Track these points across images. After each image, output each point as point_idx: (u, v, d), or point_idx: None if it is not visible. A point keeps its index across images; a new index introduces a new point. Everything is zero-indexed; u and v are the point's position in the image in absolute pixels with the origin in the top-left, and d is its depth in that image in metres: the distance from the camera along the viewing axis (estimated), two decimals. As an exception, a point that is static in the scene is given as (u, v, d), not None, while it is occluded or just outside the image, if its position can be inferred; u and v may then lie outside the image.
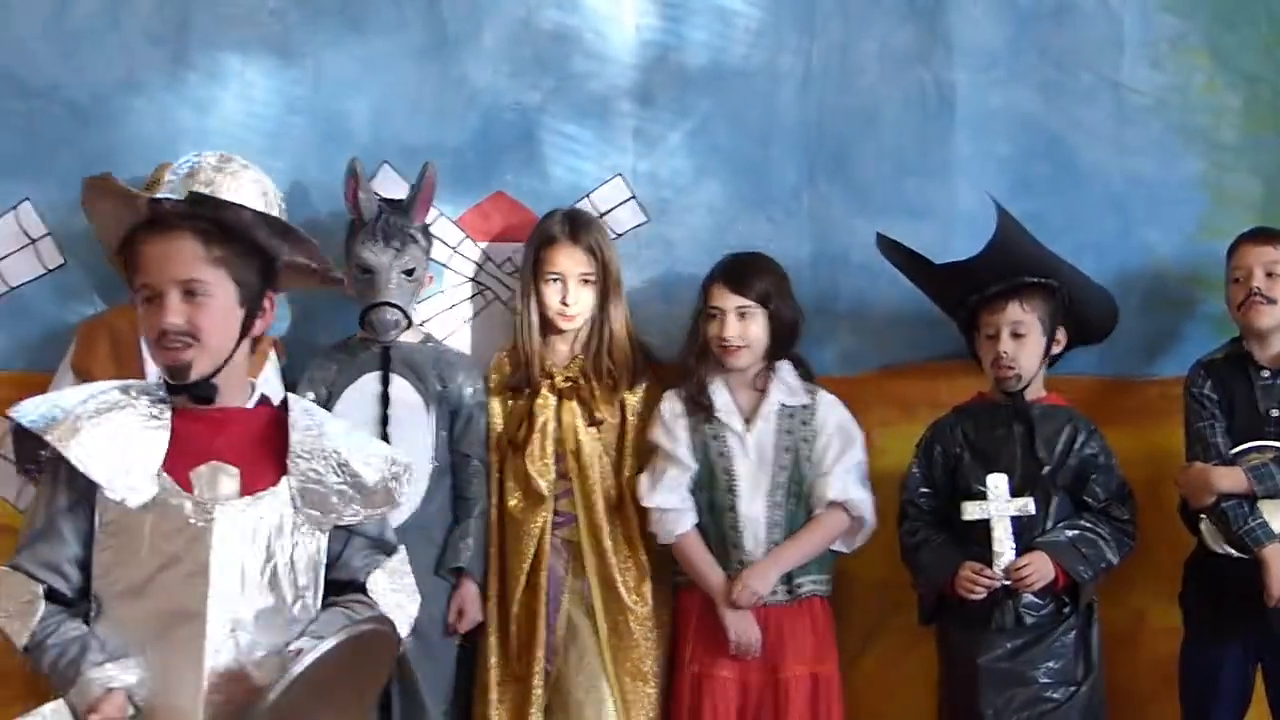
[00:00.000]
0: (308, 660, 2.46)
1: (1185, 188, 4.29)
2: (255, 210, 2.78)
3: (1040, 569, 3.80)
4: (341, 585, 2.82)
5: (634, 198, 4.28)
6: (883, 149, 4.29)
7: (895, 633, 4.15)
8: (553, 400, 4.05)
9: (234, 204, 2.75)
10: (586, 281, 4.05)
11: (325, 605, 2.77)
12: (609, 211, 4.25)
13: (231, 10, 4.22)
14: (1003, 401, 3.97)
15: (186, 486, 2.65)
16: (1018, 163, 4.28)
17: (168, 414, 2.68)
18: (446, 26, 4.26)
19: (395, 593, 2.85)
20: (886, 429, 4.15)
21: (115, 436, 2.64)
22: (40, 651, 2.60)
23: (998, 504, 3.86)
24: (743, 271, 4.02)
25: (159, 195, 2.74)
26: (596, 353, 4.07)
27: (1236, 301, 3.96)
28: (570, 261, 4.05)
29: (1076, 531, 3.87)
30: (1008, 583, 3.81)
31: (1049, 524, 3.88)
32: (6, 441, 4.14)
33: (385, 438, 3.94)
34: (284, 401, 2.82)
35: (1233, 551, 3.84)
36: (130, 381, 2.79)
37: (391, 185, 4.15)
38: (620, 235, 4.22)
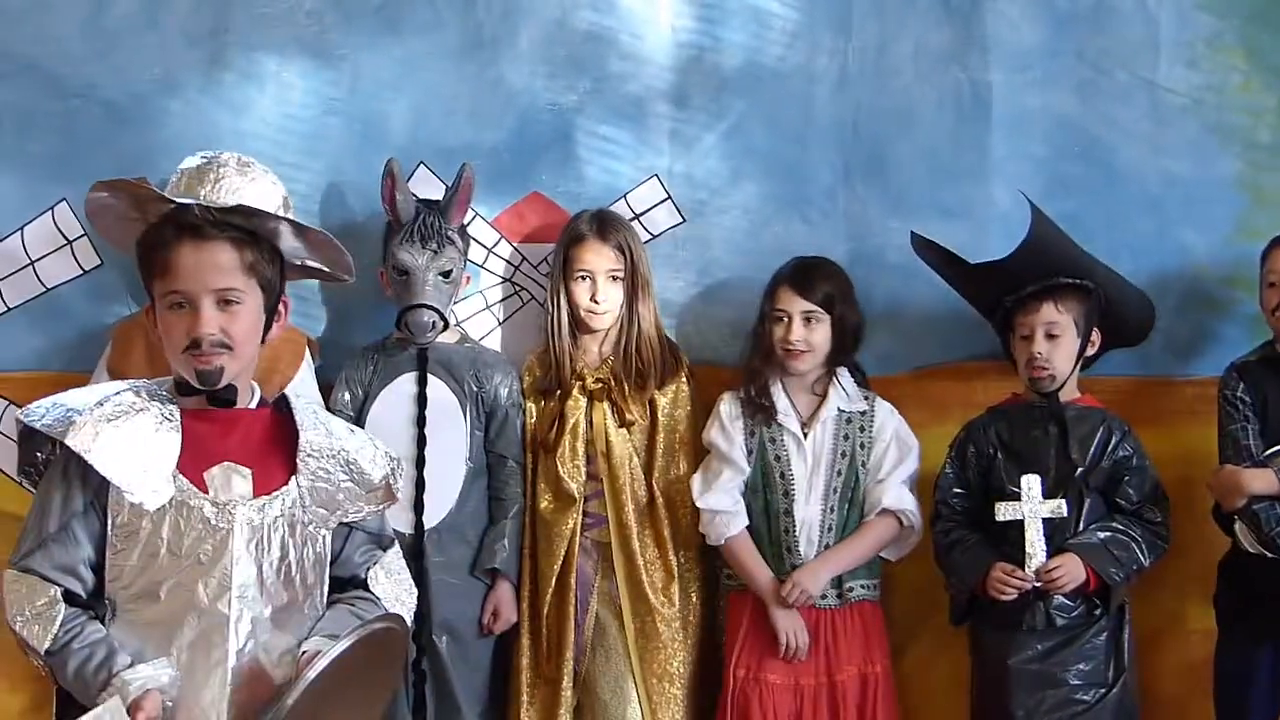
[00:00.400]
0: (324, 662, 2.48)
1: (1222, 188, 4.27)
2: (293, 220, 2.81)
3: (1071, 571, 3.80)
4: (342, 582, 2.86)
5: (670, 199, 4.28)
6: (918, 150, 4.29)
7: (932, 634, 4.15)
8: (583, 402, 4.06)
9: (272, 214, 2.78)
10: (615, 279, 4.06)
11: (330, 603, 2.81)
12: (645, 213, 4.25)
13: (269, 11, 4.23)
14: (1037, 402, 3.97)
15: (201, 488, 2.68)
16: (1053, 163, 4.27)
17: (178, 416, 2.70)
18: (483, 28, 4.26)
19: (394, 587, 2.89)
20: (920, 431, 4.13)
21: (132, 439, 2.65)
22: (64, 655, 2.60)
23: (1031, 505, 3.86)
24: (810, 276, 4.02)
25: (191, 202, 2.75)
26: (625, 352, 4.07)
27: (1270, 306, 3.95)
28: (599, 259, 4.05)
29: (1109, 533, 3.87)
30: (1038, 584, 3.80)
31: (1081, 525, 3.88)
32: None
33: (421, 439, 3.96)
34: (282, 400, 2.84)
35: (1266, 553, 3.82)
36: (138, 382, 2.80)
37: (428, 186, 4.16)
38: (656, 236, 4.23)
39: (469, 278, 4.18)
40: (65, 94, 4.20)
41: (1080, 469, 3.90)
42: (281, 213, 2.82)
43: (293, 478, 2.74)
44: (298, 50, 4.24)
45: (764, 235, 4.27)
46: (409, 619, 2.90)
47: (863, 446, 4.04)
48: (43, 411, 2.70)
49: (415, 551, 3.90)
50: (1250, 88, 4.29)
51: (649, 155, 4.28)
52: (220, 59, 4.22)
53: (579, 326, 4.10)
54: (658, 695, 3.99)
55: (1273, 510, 3.81)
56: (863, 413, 4.06)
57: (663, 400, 4.09)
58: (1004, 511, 3.88)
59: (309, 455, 2.76)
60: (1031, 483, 3.87)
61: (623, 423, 4.05)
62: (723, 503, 3.99)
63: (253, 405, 2.81)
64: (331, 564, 2.83)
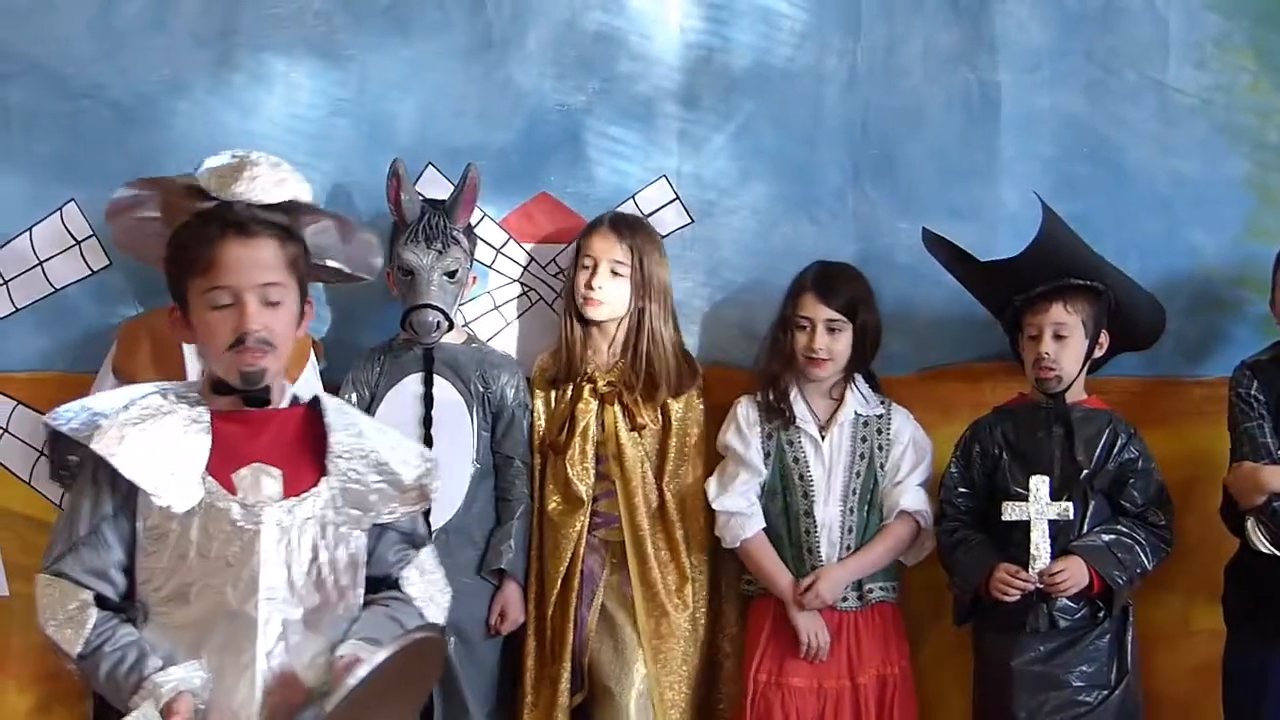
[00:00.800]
0: (365, 670, 2.47)
1: (1231, 188, 4.26)
2: (341, 217, 2.81)
3: (1074, 574, 3.80)
4: (375, 581, 2.83)
5: (678, 199, 4.27)
6: (927, 150, 4.28)
7: (941, 634, 4.15)
8: (594, 404, 4.06)
9: (324, 210, 2.78)
10: (617, 273, 4.05)
11: (365, 603, 2.79)
12: (653, 213, 4.25)
13: (277, 12, 4.22)
14: (1043, 403, 3.97)
15: (230, 489, 2.66)
16: (1062, 164, 4.26)
17: (207, 417, 2.68)
18: (491, 28, 4.25)
19: (428, 587, 2.87)
20: (928, 431, 4.13)
21: (159, 442, 2.63)
22: (96, 659, 2.59)
23: (1037, 506, 3.86)
24: (834, 283, 4.03)
25: (233, 200, 2.73)
26: (634, 357, 4.07)
27: None
28: (603, 246, 4.05)
29: (1113, 536, 3.87)
30: (1041, 586, 3.81)
31: (1086, 527, 3.88)
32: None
33: (428, 439, 3.96)
34: (314, 400, 2.82)
35: (1278, 552, 3.81)
36: (166, 384, 2.79)
37: (437, 187, 4.15)
38: (665, 237, 4.22)
39: (475, 278, 4.17)
40: (73, 94, 4.20)
41: (1085, 470, 3.90)
42: None
43: (323, 479, 2.72)
44: (306, 51, 4.24)
45: (773, 236, 4.27)
46: (442, 618, 2.87)
47: (880, 449, 4.05)
48: (70, 415, 2.68)
49: (422, 552, 3.89)
50: (1259, 88, 4.28)
51: (658, 156, 4.28)
52: (228, 60, 4.22)
53: (588, 321, 4.10)
54: (671, 693, 4.00)
55: (1292, 508, 3.81)
56: (879, 416, 4.08)
57: (675, 406, 4.09)
58: (1010, 512, 3.88)
59: (339, 456, 2.73)
60: (1039, 484, 3.87)
61: (634, 426, 4.05)
62: (738, 505, 4.00)
63: (284, 405, 2.78)
64: (365, 563, 2.82)
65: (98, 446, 2.60)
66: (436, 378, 4.05)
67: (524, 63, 4.26)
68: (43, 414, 4.07)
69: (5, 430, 4.21)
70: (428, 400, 4.02)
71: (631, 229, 4.08)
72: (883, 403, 4.11)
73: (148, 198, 2.85)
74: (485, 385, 4.06)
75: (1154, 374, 4.23)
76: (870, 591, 4.02)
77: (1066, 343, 3.93)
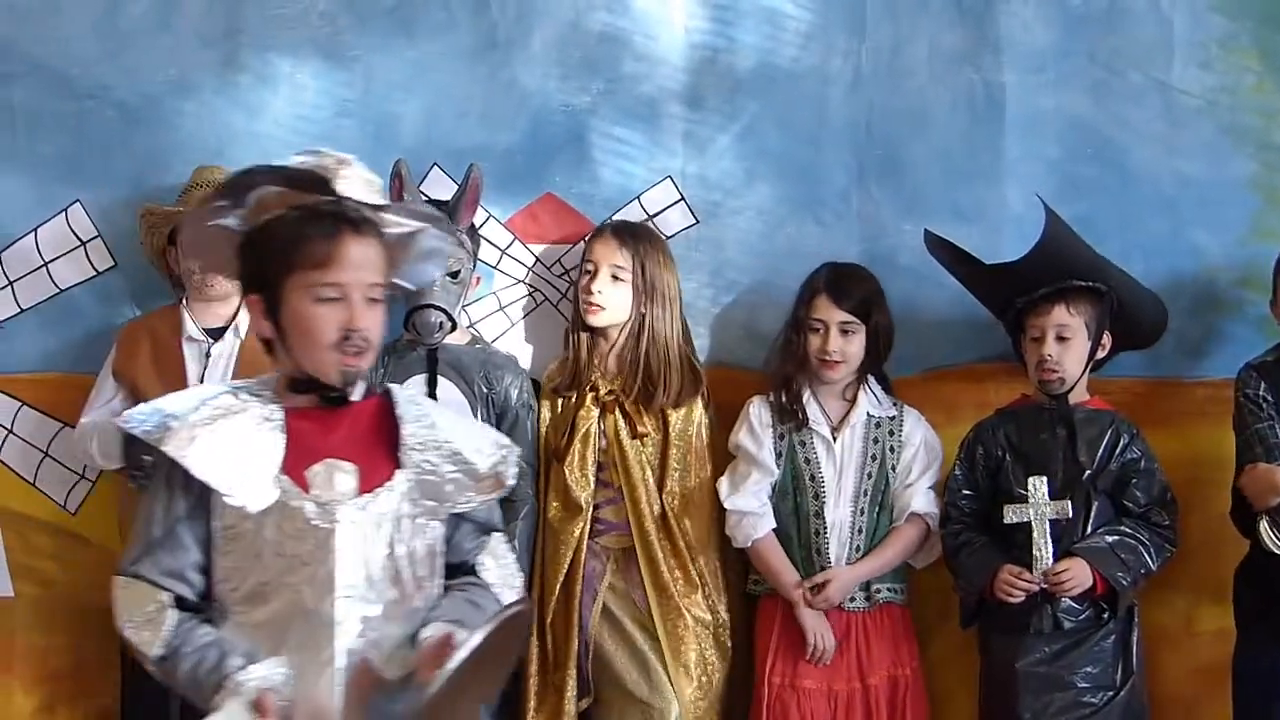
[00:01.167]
0: (466, 652, 2.43)
1: (1235, 189, 4.26)
2: (454, 230, 2.82)
3: (1078, 575, 3.80)
4: (452, 568, 2.82)
5: (683, 200, 4.27)
6: (932, 151, 4.28)
7: (948, 635, 4.15)
8: (595, 411, 4.06)
9: (443, 217, 2.81)
10: (618, 278, 4.05)
11: (444, 589, 2.78)
12: (658, 214, 4.25)
13: (282, 13, 4.23)
14: (1046, 404, 3.97)
15: (304, 487, 2.64)
16: (1067, 165, 4.27)
17: (280, 414, 2.66)
18: (496, 29, 4.26)
19: (502, 572, 2.86)
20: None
21: (231, 441, 2.62)
22: (176, 659, 2.58)
23: (1037, 507, 3.87)
24: (848, 285, 4.04)
25: (358, 199, 2.71)
26: (633, 363, 4.06)
27: None
28: (605, 251, 4.05)
29: (1116, 537, 3.87)
30: (1045, 587, 3.81)
31: (1089, 528, 3.88)
32: (59, 445, 4.19)
33: (431, 440, 3.95)
34: (386, 392, 2.80)
35: (1292, 554, 3.83)
36: (238, 383, 2.77)
37: (441, 187, 4.15)
38: (670, 237, 4.21)
39: (480, 279, 4.17)
40: (78, 95, 4.20)
41: (1088, 471, 3.90)
42: None
43: (398, 472, 2.70)
44: (311, 51, 4.24)
45: (777, 237, 4.28)
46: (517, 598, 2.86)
47: (892, 451, 4.06)
48: (142, 418, 2.66)
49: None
50: (1264, 89, 4.28)
51: (662, 157, 4.28)
52: (234, 60, 4.22)
53: (595, 330, 4.10)
54: (693, 690, 3.99)
55: (1308, 509, 3.80)
56: (891, 418, 4.09)
57: (675, 416, 4.07)
58: (1011, 514, 3.88)
59: (412, 449, 2.72)
60: (1038, 484, 3.88)
61: (635, 434, 4.05)
62: (750, 504, 4.01)
63: (356, 398, 2.75)
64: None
65: (169, 448, 2.59)
66: (440, 378, 4.05)
67: (529, 63, 4.26)
68: (47, 415, 4.18)
69: (9, 431, 4.21)
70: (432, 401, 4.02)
71: (634, 235, 4.08)
72: (895, 404, 4.12)
73: (262, 186, 2.76)
74: (489, 386, 4.06)
75: (1157, 374, 4.24)
76: (878, 593, 4.03)
77: (1069, 344, 3.93)
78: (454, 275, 4.01)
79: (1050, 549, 3.83)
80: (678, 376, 4.06)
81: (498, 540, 2.89)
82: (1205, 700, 4.09)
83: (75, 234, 4.19)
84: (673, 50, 4.28)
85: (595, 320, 4.07)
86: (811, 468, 4.04)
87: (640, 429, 4.04)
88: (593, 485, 4.04)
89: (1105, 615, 3.87)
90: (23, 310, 4.20)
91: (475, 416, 4.02)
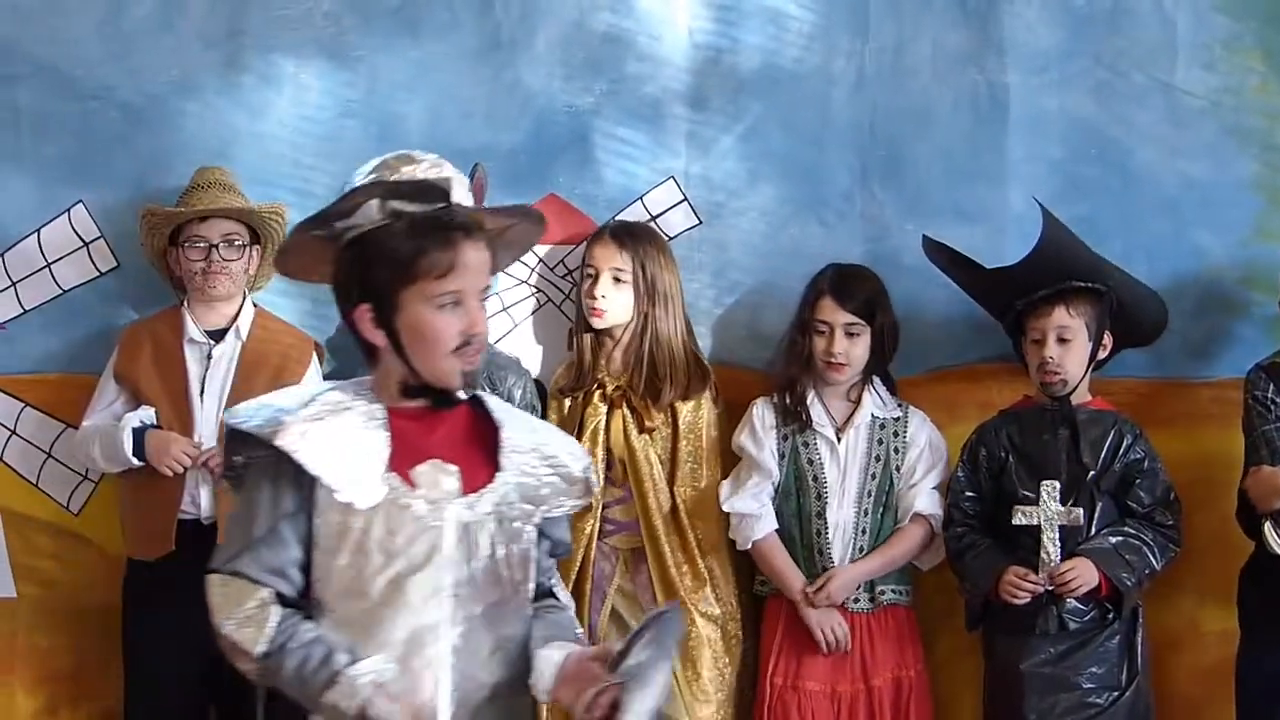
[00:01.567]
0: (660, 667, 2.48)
1: (1239, 190, 4.26)
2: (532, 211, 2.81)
3: (1084, 575, 3.80)
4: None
5: (686, 200, 4.27)
6: (935, 152, 4.28)
7: (952, 636, 4.15)
8: (603, 408, 4.07)
9: (533, 217, 2.78)
10: (619, 280, 4.05)
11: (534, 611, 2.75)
12: (661, 214, 4.25)
13: (285, 13, 4.22)
14: (1048, 406, 3.97)
15: (410, 486, 2.62)
16: (1070, 165, 4.27)
17: (383, 413, 2.64)
18: (500, 29, 4.26)
19: (565, 595, 2.91)
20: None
21: (340, 438, 2.58)
22: (281, 656, 2.53)
23: (1047, 512, 3.87)
24: (852, 286, 4.04)
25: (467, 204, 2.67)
26: (638, 360, 4.07)
27: None
28: (604, 254, 4.06)
29: (1121, 538, 3.88)
30: (1051, 588, 3.81)
31: (1093, 529, 3.89)
32: (62, 446, 4.19)
33: (436, 441, 3.95)
34: (474, 397, 2.76)
35: (1293, 556, 3.82)
36: (343, 382, 2.73)
37: (445, 188, 4.15)
38: (673, 238, 4.22)
39: (483, 279, 4.17)
40: (81, 96, 4.19)
41: (1092, 472, 3.90)
42: None
43: (498, 474, 2.68)
44: (315, 52, 4.24)
45: (781, 237, 4.28)
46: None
47: (897, 451, 4.07)
48: (250, 413, 2.63)
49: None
50: (1268, 90, 4.27)
51: (666, 157, 4.28)
52: (237, 61, 4.22)
53: (592, 329, 4.11)
54: (702, 696, 3.99)
55: (1314, 513, 3.79)
56: (896, 419, 4.09)
57: (684, 409, 4.08)
58: (1021, 516, 3.89)
59: (513, 451, 2.70)
60: (1050, 489, 3.88)
61: (643, 429, 4.05)
62: (749, 506, 4.01)
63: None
64: None
65: (282, 442, 2.55)
66: (443, 379, 4.04)
67: (532, 64, 4.26)
68: (50, 415, 4.18)
69: (12, 432, 4.21)
70: (435, 401, 4.02)
71: (633, 236, 4.08)
72: (900, 405, 4.12)
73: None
74: (492, 386, 4.05)
75: (1161, 375, 4.24)
76: (882, 594, 4.03)
77: (1070, 346, 3.93)
78: (458, 276, 4.01)
79: (1058, 553, 3.84)
80: (683, 372, 4.06)
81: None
82: (1210, 701, 4.09)
83: (78, 234, 4.18)
84: (676, 51, 4.28)
85: (600, 323, 4.08)
86: (815, 469, 4.04)
87: (648, 423, 4.04)
88: (601, 483, 4.04)
89: (1110, 616, 3.86)
90: (25, 311, 4.20)
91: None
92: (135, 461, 3.91)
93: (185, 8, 4.22)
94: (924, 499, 4.04)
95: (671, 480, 4.06)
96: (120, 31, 4.20)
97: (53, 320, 4.21)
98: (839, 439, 4.05)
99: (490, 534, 2.65)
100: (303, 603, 2.60)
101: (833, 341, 4.01)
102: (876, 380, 4.10)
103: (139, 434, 3.92)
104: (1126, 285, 4.01)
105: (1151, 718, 3.96)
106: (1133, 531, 3.88)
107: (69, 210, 4.18)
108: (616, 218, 4.20)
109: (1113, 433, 3.93)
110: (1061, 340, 3.92)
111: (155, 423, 3.96)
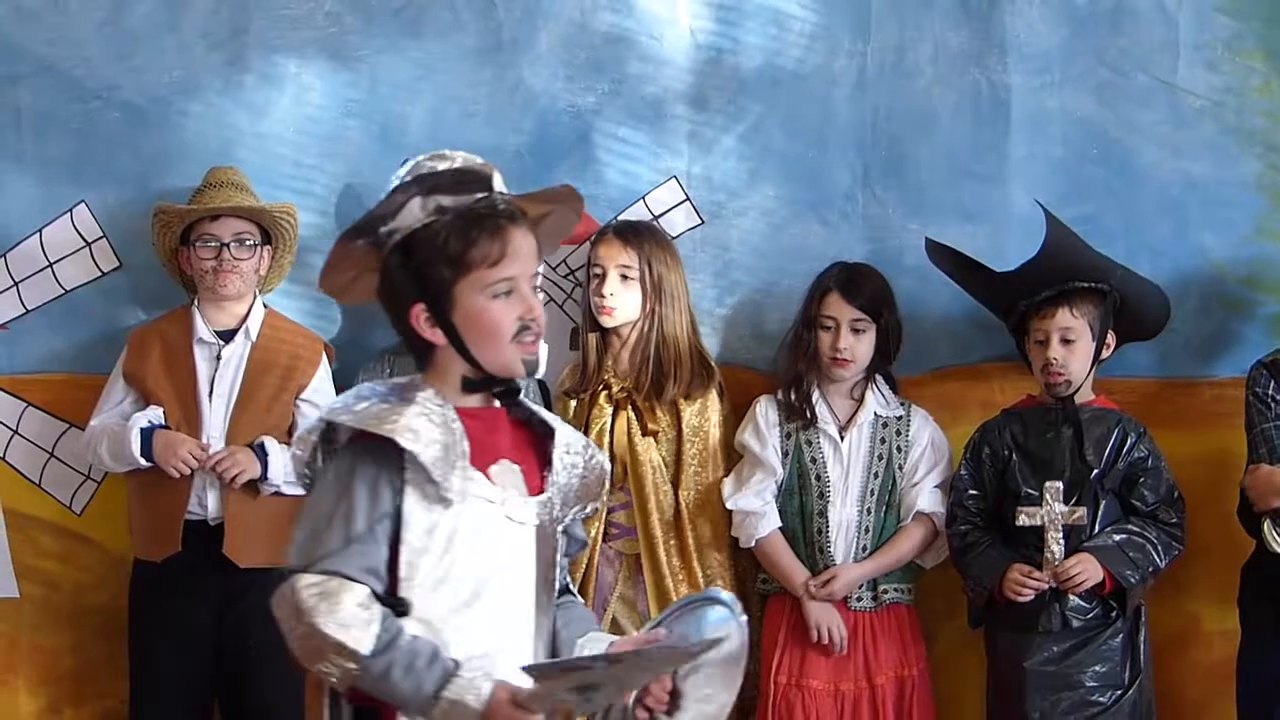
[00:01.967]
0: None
1: (1241, 190, 4.26)
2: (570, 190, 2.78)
3: (1088, 570, 3.81)
4: None
5: (688, 200, 4.28)
6: (937, 152, 4.28)
7: (954, 633, 4.15)
8: (609, 410, 4.07)
9: (573, 206, 2.75)
10: (626, 277, 4.05)
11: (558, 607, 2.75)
12: (663, 214, 4.25)
13: (288, 14, 4.22)
14: (1052, 404, 3.98)
15: (492, 484, 2.60)
16: (1073, 165, 4.27)
17: (453, 412, 2.60)
18: (502, 30, 4.26)
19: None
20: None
21: (434, 434, 2.55)
22: (388, 653, 2.47)
23: (1051, 513, 3.87)
24: (858, 283, 4.05)
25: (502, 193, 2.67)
26: (643, 361, 4.07)
27: None
28: (609, 253, 4.06)
29: (1124, 536, 3.88)
30: (1055, 585, 3.81)
31: (1097, 528, 3.89)
32: (65, 446, 4.19)
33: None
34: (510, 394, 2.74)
35: (1293, 555, 3.82)
36: (388, 382, 2.68)
37: (446, 188, 4.15)
38: (675, 238, 4.21)
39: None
40: (84, 96, 4.20)
41: (1095, 471, 3.90)
42: None
43: (549, 474, 2.66)
44: (317, 52, 4.24)
45: (782, 237, 4.28)
46: None
47: (899, 450, 4.07)
48: (344, 408, 2.59)
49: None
50: (1270, 90, 4.27)
51: (667, 157, 4.28)
52: (239, 61, 4.22)
53: (600, 328, 4.11)
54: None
55: (1311, 511, 3.79)
56: (899, 418, 4.10)
57: (688, 410, 4.08)
58: (1025, 518, 3.89)
59: (566, 452, 2.69)
60: (1054, 490, 3.88)
61: (645, 431, 4.05)
62: (752, 504, 4.02)
63: (496, 402, 2.70)
64: None
65: (398, 437, 2.51)
66: (444, 379, 4.04)
67: (534, 64, 4.26)
68: (53, 415, 4.18)
69: (15, 432, 4.21)
70: (437, 401, 4.02)
71: (637, 233, 4.08)
72: (903, 404, 4.13)
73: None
74: (494, 386, 4.05)
75: (1164, 374, 4.24)
76: (885, 593, 4.03)
77: (1074, 347, 3.94)
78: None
79: (1062, 554, 3.84)
80: (688, 370, 4.06)
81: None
82: (1213, 699, 4.09)
83: (80, 234, 4.18)
84: (678, 51, 4.28)
85: (609, 321, 4.07)
86: (817, 467, 4.04)
87: (651, 426, 4.04)
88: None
89: (1113, 614, 3.87)
90: (28, 311, 4.20)
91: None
92: (143, 462, 3.91)
93: (187, 8, 4.22)
94: (926, 498, 4.04)
95: (676, 483, 4.05)
96: (122, 31, 4.20)
97: (55, 320, 4.21)
98: (842, 438, 4.06)
99: (554, 533, 2.65)
100: (394, 601, 2.54)
101: (838, 337, 4.02)
102: (879, 379, 4.11)
103: (147, 434, 3.92)
104: (1129, 281, 4.01)
105: (1154, 716, 3.96)
106: (1136, 530, 3.89)
107: (71, 210, 4.18)
108: (619, 218, 4.20)
109: (1116, 431, 3.94)
110: (1065, 341, 3.93)
111: (163, 423, 3.96)
